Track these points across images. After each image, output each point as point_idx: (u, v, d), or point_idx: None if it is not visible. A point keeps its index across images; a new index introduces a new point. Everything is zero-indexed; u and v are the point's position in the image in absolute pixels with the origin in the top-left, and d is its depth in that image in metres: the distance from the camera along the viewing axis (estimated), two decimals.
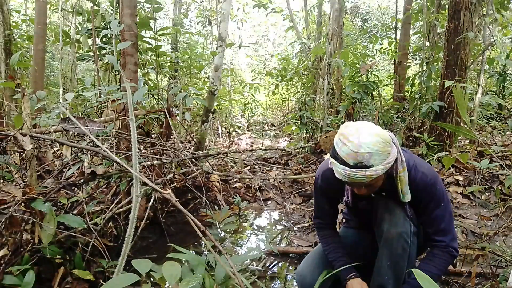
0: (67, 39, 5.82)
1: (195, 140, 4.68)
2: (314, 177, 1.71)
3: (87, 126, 2.37)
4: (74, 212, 2.12)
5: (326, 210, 1.67)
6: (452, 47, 3.70)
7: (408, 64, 7.26)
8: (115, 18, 3.54)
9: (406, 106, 5.61)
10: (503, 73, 5.80)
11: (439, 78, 4.15)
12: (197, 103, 4.85)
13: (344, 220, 1.93)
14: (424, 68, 4.94)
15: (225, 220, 2.43)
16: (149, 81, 4.75)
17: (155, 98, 4.47)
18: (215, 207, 3.32)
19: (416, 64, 8.66)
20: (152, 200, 2.23)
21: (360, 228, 1.76)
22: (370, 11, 14.19)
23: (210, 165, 3.77)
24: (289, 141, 7.21)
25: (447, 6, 4.18)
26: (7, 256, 1.62)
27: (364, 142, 1.18)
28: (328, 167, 1.51)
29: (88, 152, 2.49)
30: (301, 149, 5.19)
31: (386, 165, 1.22)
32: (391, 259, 1.38)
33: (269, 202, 3.58)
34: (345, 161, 1.21)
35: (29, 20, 7.00)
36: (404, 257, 1.38)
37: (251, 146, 7.08)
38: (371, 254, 1.59)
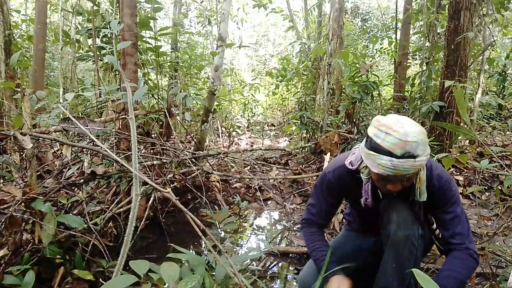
0: (67, 39, 5.82)
1: (195, 140, 4.68)
2: (317, 177, 1.64)
3: (87, 126, 2.37)
4: (74, 212, 2.12)
5: (324, 209, 1.59)
6: (452, 47, 3.70)
7: (408, 64, 7.25)
8: (115, 18, 3.54)
9: (406, 106, 5.61)
10: (503, 73, 5.80)
11: (439, 78, 4.15)
12: (197, 103, 4.85)
13: (345, 222, 1.91)
14: (424, 68, 4.94)
15: (225, 220, 2.43)
16: (149, 81, 4.76)
17: (155, 98, 4.48)
18: (215, 207, 3.32)
19: (416, 64, 8.66)
20: (152, 200, 2.23)
21: (363, 230, 1.74)
22: (370, 11, 14.19)
23: (210, 165, 3.77)
24: (289, 141, 7.21)
25: (447, 6, 4.17)
26: (7, 256, 1.62)
27: (410, 131, 1.14)
28: (342, 165, 1.46)
29: (88, 152, 2.49)
30: (301, 149, 5.19)
31: (427, 156, 1.19)
32: (397, 262, 1.36)
33: (269, 202, 3.58)
34: (391, 152, 1.15)
35: (29, 20, 7.00)
36: (410, 260, 1.36)
37: (251, 146, 7.08)
38: (372, 257, 1.58)
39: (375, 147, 1.20)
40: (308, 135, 5.44)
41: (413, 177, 1.29)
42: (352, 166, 1.42)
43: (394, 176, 1.21)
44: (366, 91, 4.50)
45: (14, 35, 4.58)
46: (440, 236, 1.51)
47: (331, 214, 1.65)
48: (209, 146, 5.85)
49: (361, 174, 1.40)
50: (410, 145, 1.14)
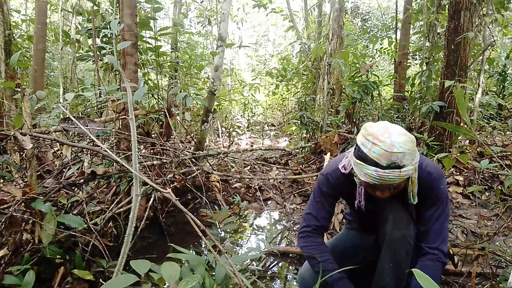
0: (67, 39, 5.82)
1: (195, 140, 4.68)
2: (317, 176, 1.62)
3: (87, 126, 2.37)
4: (74, 212, 2.12)
5: (327, 212, 1.56)
6: (452, 47, 3.70)
7: (408, 64, 7.25)
8: (115, 18, 3.54)
9: (406, 106, 5.61)
10: (503, 73, 5.80)
11: (439, 78, 4.15)
12: (197, 103, 4.85)
13: (345, 221, 1.92)
14: (424, 68, 4.94)
15: (225, 220, 2.43)
16: (149, 81, 4.76)
17: (155, 98, 4.48)
18: (215, 207, 3.32)
19: (416, 64, 8.66)
20: (152, 200, 2.23)
21: (362, 230, 1.75)
22: (370, 11, 14.20)
23: (210, 165, 3.77)
24: (289, 141, 7.21)
25: (447, 6, 4.18)
26: (7, 256, 1.62)
27: (396, 141, 1.15)
28: (336, 168, 1.46)
29: (88, 152, 2.49)
30: (301, 149, 5.19)
31: (415, 165, 1.20)
32: (394, 261, 1.37)
33: (269, 202, 3.58)
34: (377, 162, 1.16)
35: (29, 20, 7.00)
36: (407, 260, 1.37)
37: (251, 146, 7.08)
38: (372, 256, 1.59)
39: (361, 157, 1.21)
40: (308, 135, 5.44)
41: (402, 184, 1.29)
42: (345, 170, 1.42)
43: (381, 184, 1.22)
44: (366, 91, 4.50)
45: (14, 35, 4.58)
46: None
47: (331, 215, 1.62)
48: (209, 146, 5.85)
49: (354, 177, 1.40)
50: (396, 156, 1.15)
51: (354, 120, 4.89)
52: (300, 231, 1.58)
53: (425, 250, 1.39)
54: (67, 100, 2.54)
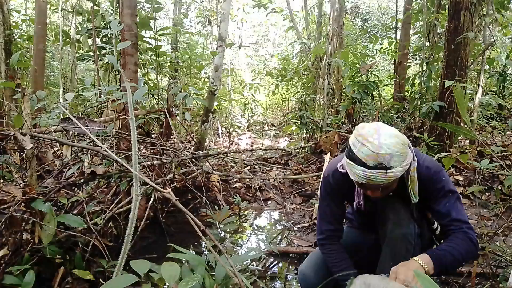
0: (67, 39, 5.82)
1: (195, 140, 4.68)
2: (317, 177, 1.63)
3: (87, 126, 2.37)
4: (74, 212, 2.12)
5: (336, 213, 1.59)
6: (452, 47, 3.70)
7: (408, 64, 7.25)
8: (115, 18, 3.54)
9: (406, 106, 5.61)
10: (503, 73, 5.80)
11: (439, 78, 4.15)
12: (197, 103, 4.86)
13: (346, 221, 1.92)
14: (424, 68, 4.94)
15: (225, 220, 2.42)
16: (149, 81, 4.76)
17: (155, 98, 4.48)
18: (215, 207, 3.31)
19: (416, 64, 8.65)
20: (152, 200, 2.23)
21: (363, 228, 1.75)
22: (370, 11, 14.20)
23: (210, 165, 3.77)
24: (289, 141, 7.20)
25: (447, 6, 4.17)
26: (7, 256, 1.61)
27: (384, 143, 1.17)
28: (336, 169, 1.48)
29: (88, 152, 2.49)
30: (301, 149, 5.19)
31: (404, 167, 1.22)
32: (394, 260, 1.37)
33: (269, 202, 3.58)
34: (364, 163, 1.19)
35: (29, 20, 7.00)
36: (407, 258, 1.36)
37: (251, 146, 7.08)
38: (373, 254, 1.59)
39: (351, 156, 1.24)
40: (308, 135, 5.44)
41: (393, 185, 1.31)
42: (343, 169, 1.44)
43: (369, 184, 1.25)
44: (366, 91, 4.50)
45: (14, 35, 4.57)
46: (438, 232, 1.51)
47: (343, 215, 1.66)
48: (209, 146, 5.85)
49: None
50: (383, 157, 1.17)
51: (354, 120, 4.89)
52: (317, 240, 1.63)
53: (452, 229, 1.36)
54: (67, 100, 2.54)
